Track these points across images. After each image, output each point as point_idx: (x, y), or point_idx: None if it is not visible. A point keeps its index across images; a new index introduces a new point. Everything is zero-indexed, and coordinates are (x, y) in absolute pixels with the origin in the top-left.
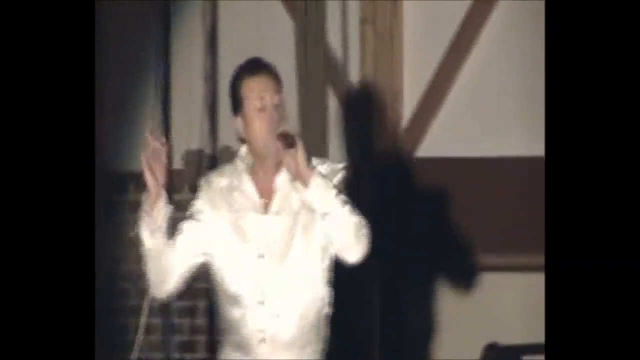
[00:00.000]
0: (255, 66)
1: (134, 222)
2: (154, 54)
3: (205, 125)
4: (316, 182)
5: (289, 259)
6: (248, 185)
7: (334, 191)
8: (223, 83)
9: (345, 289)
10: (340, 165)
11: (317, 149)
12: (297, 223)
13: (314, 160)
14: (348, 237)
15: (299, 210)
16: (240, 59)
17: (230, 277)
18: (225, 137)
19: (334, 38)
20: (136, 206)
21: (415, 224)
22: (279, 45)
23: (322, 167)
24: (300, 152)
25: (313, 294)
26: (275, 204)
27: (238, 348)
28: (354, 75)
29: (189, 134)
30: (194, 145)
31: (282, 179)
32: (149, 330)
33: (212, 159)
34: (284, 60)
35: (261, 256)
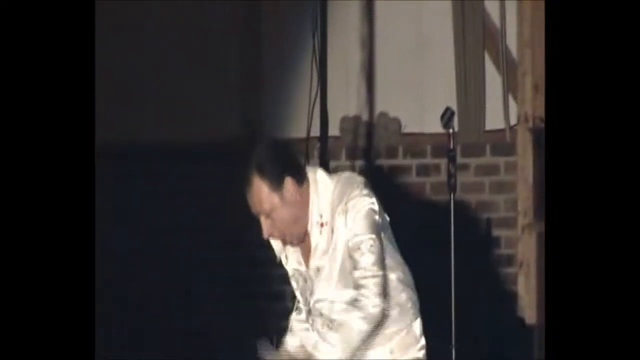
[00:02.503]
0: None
1: None
2: (311, 21)
3: (362, 91)
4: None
5: None
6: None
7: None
8: (380, 49)
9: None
10: (354, 194)
11: (473, 115)
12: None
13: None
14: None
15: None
16: (397, 26)
17: None
18: (382, 104)
19: (491, 5)
20: None
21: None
22: (436, 12)
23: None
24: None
25: None
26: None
27: None
28: (511, 41)
29: (345, 100)
30: (351, 112)
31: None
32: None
33: (368, 126)
34: (442, 27)
35: None
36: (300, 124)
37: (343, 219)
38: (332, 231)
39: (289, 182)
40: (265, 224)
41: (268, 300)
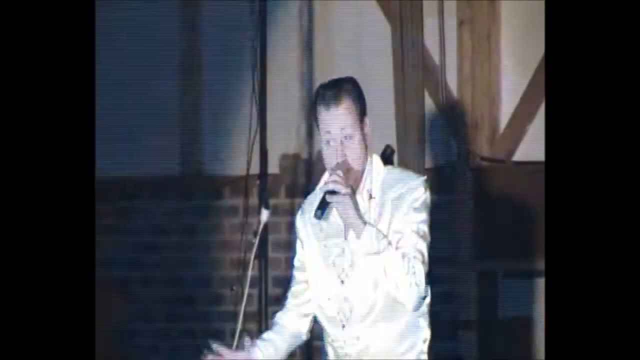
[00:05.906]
0: (326, 96)
1: (229, 227)
2: (250, 57)
3: (301, 129)
4: (368, 233)
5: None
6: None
7: (385, 241)
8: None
9: None
10: (417, 183)
11: (413, 153)
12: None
13: (395, 168)
14: (393, 283)
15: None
16: (336, 62)
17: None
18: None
19: (431, 40)
20: (232, 210)
21: (511, 226)
22: (376, 47)
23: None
24: (349, 206)
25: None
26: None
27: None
28: (451, 79)
29: (285, 137)
30: (291, 150)
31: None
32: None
33: (308, 163)
34: (381, 62)
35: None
36: (240, 161)
37: (396, 205)
38: (381, 209)
39: (367, 123)
40: (338, 149)
41: None
